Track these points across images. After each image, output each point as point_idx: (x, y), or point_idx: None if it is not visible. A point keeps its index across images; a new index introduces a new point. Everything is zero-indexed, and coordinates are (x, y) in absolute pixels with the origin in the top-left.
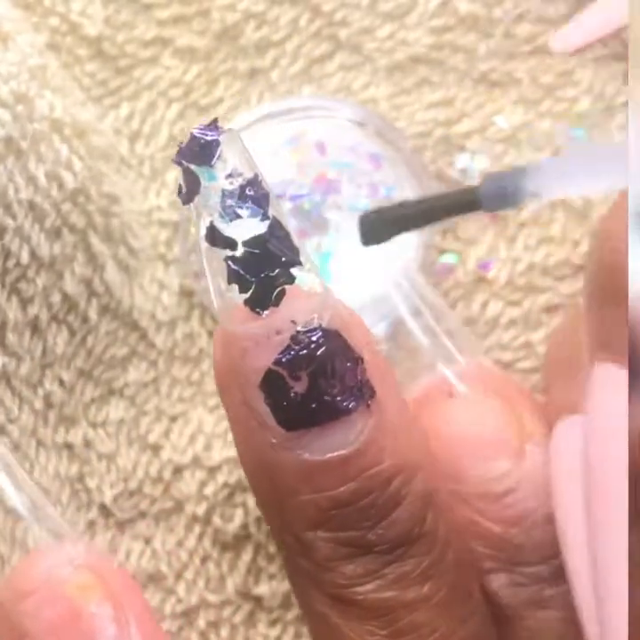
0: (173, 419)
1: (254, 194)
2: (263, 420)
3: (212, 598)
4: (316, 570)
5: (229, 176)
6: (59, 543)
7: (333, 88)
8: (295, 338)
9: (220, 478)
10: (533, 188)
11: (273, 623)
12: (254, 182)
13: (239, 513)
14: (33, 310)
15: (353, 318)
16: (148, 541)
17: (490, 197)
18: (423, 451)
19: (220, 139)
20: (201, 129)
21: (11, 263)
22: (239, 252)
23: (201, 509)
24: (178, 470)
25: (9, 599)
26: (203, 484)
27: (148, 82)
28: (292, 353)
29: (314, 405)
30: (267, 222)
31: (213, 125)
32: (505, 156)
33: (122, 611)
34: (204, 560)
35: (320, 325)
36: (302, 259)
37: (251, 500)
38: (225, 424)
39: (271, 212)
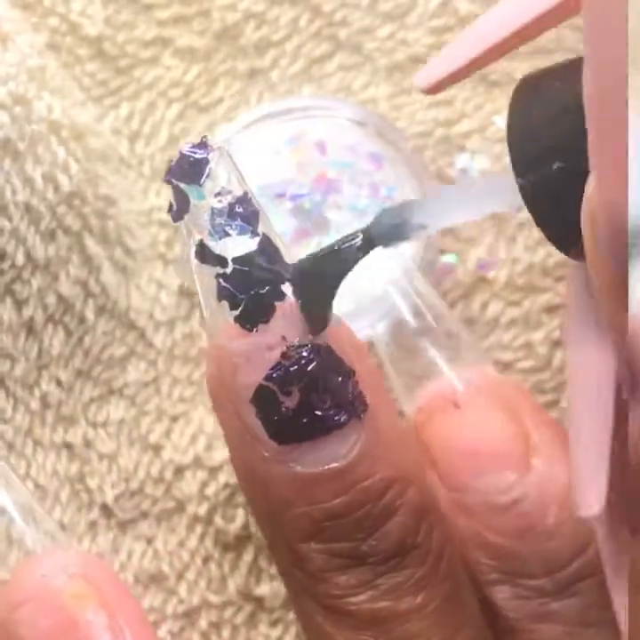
0: (174, 419)
1: (243, 211)
2: (255, 434)
3: (214, 599)
4: (309, 581)
5: (218, 194)
6: (52, 551)
7: (333, 88)
8: (286, 354)
9: (222, 478)
10: (420, 221)
11: (274, 623)
12: (243, 200)
13: (240, 513)
14: (28, 311)
15: (344, 331)
16: (149, 542)
17: (381, 235)
18: (416, 461)
19: (209, 157)
20: (190, 147)
21: (6, 265)
22: (229, 269)
23: (202, 510)
24: (179, 470)
25: (4, 608)
26: (204, 485)
27: (148, 82)
28: (283, 369)
29: (305, 420)
30: (256, 239)
31: (203, 143)
32: (505, 156)
33: (116, 619)
34: (206, 560)
35: (310, 340)
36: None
37: None
38: None
39: (261, 230)
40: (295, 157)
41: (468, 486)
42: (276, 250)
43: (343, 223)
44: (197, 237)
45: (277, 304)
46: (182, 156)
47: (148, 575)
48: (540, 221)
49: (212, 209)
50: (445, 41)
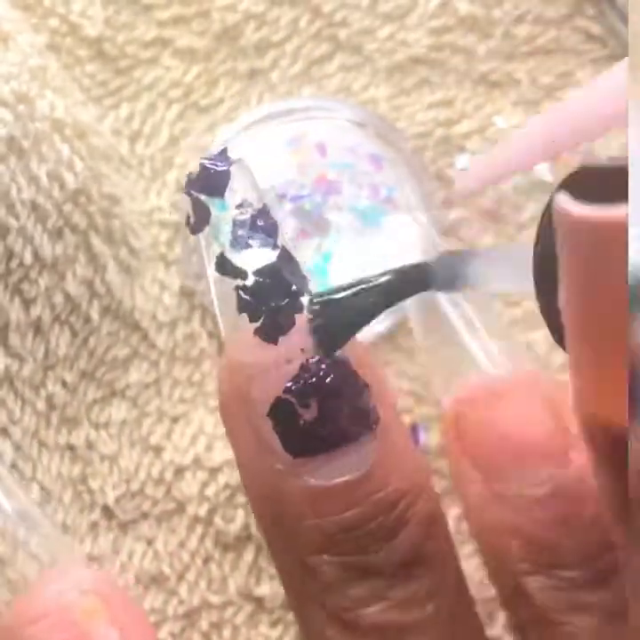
0: (175, 420)
1: (264, 224)
2: (271, 448)
3: (214, 599)
4: (319, 592)
5: (240, 206)
6: (67, 567)
7: (333, 89)
8: (305, 366)
9: (222, 479)
10: (472, 282)
11: (274, 624)
12: (264, 212)
13: (240, 514)
14: (36, 311)
15: (356, 344)
16: (150, 542)
17: (441, 279)
18: (425, 471)
19: (231, 169)
20: (211, 159)
21: (14, 264)
22: (250, 281)
23: (202, 510)
24: (179, 471)
25: (18, 624)
26: (204, 485)
27: (148, 82)
28: (302, 381)
29: (323, 433)
30: (277, 252)
31: (223, 155)
32: None
33: (127, 635)
34: (206, 561)
35: None
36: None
37: None
38: None
39: (280, 242)
40: (295, 159)
41: (506, 476)
42: (296, 262)
43: (343, 224)
44: (217, 250)
45: (297, 316)
46: (204, 167)
47: (148, 576)
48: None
49: (234, 221)
50: (445, 41)
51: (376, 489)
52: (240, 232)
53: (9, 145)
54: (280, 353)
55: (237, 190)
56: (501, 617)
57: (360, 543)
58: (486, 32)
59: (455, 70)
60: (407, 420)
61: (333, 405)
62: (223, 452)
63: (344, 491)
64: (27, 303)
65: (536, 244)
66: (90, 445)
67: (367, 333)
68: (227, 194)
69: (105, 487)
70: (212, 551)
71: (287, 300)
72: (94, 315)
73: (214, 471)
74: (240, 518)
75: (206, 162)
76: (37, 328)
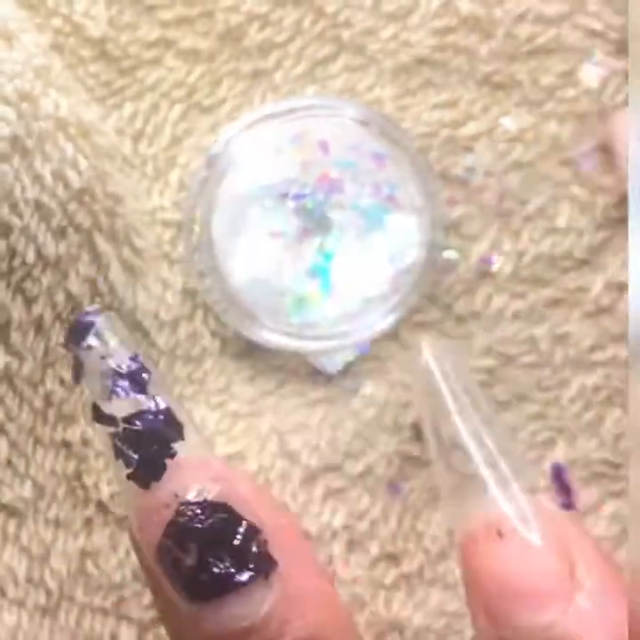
0: None
1: (133, 372)
2: (166, 589)
3: None
4: None
5: (108, 356)
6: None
7: (338, 89)
8: (179, 511)
9: None
10: None
11: None
12: (134, 361)
13: None
14: (37, 309)
15: (255, 488)
16: None
17: None
18: (340, 617)
19: (96, 320)
20: (82, 313)
21: (16, 262)
22: (120, 428)
23: None
24: None
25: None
26: None
27: (151, 83)
28: (177, 526)
29: (205, 578)
30: (145, 399)
31: (93, 309)
32: (509, 157)
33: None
34: None
35: (205, 499)
36: (187, 431)
37: None
38: (227, 422)
39: (151, 390)
40: (298, 157)
41: (508, 622)
42: (167, 409)
43: (346, 223)
44: (91, 399)
45: (170, 462)
46: (73, 320)
47: None
48: None
49: (100, 372)
50: (448, 42)
51: (271, 638)
52: (106, 382)
53: (13, 144)
54: (157, 498)
55: (108, 342)
56: None
57: None
58: (488, 32)
59: (458, 71)
60: (410, 415)
61: (212, 550)
62: (223, 449)
63: (240, 637)
64: (28, 302)
65: None
66: (85, 442)
67: (370, 331)
68: (96, 345)
69: (99, 483)
70: None
71: (156, 446)
72: None
73: None
74: None
75: (77, 314)
76: (39, 326)
